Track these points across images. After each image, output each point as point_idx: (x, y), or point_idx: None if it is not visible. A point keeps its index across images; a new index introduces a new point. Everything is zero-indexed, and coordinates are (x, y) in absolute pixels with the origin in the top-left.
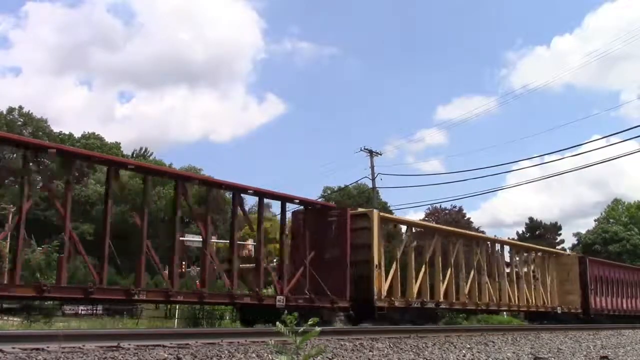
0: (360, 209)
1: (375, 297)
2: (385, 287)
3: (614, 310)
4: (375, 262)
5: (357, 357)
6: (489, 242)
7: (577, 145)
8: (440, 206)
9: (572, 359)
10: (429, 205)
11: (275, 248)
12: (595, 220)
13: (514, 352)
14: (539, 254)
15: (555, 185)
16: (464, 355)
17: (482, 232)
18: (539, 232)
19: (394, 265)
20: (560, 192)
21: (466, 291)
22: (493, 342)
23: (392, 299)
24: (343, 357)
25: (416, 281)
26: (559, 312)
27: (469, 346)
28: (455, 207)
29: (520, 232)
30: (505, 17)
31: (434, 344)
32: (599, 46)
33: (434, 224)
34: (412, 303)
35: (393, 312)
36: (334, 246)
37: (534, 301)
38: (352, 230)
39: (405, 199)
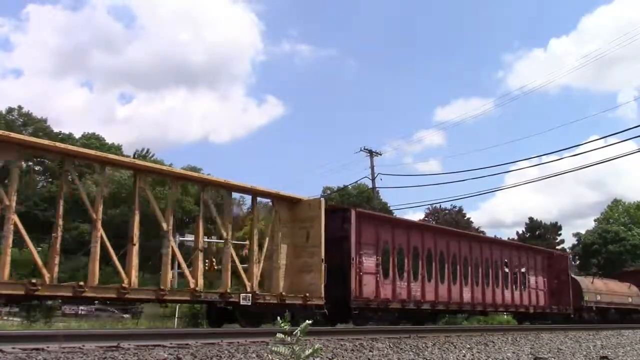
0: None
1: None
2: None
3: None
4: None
5: (357, 357)
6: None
7: (576, 146)
8: (440, 206)
9: (572, 359)
10: (429, 206)
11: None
12: (595, 221)
13: (514, 352)
14: None
15: (553, 186)
16: (464, 355)
17: (482, 232)
18: (539, 232)
19: None
20: (559, 193)
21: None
22: (493, 342)
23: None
24: (343, 357)
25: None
26: None
27: (469, 346)
28: (455, 207)
29: (520, 232)
30: (502, 19)
31: (434, 344)
32: (595, 48)
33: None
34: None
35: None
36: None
37: None
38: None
39: (405, 199)
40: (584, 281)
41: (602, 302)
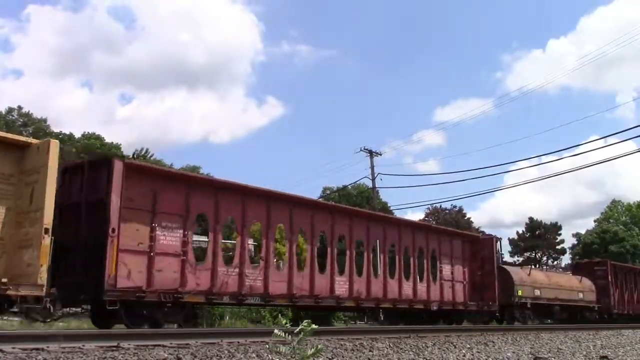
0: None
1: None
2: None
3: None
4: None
5: (357, 357)
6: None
7: (576, 146)
8: (440, 206)
9: (572, 359)
10: (429, 206)
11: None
12: (595, 221)
13: (514, 352)
14: None
15: (553, 186)
16: (464, 355)
17: (482, 232)
18: (539, 232)
19: None
20: (559, 193)
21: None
22: (493, 342)
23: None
24: (343, 357)
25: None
26: None
27: (469, 346)
28: (455, 207)
29: (520, 232)
30: (501, 20)
31: (434, 344)
32: (594, 48)
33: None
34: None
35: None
36: None
37: None
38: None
39: (405, 199)
40: (518, 273)
41: (542, 297)
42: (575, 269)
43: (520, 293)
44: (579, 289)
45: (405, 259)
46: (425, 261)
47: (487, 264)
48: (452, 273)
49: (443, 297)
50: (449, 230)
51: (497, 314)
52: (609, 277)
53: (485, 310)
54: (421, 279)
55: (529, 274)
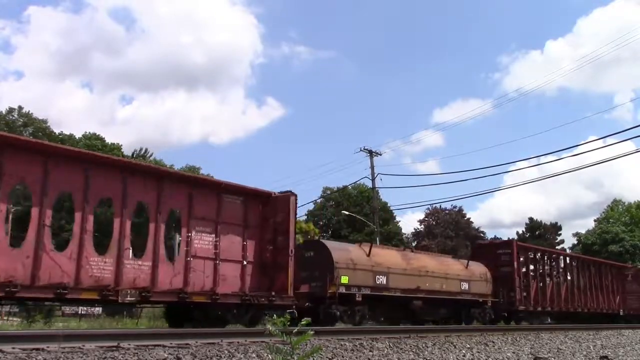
0: None
1: None
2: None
3: None
4: None
5: (357, 357)
6: None
7: (575, 146)
8: (440, 206)
9: (572, 359)
10: (429, 206)
11: None
12: (595, 221)
13: (514, 352)
14: None
15: (552, 186)
16: (464, 355)
17: (482, 232)
18: (539, 232)
19: None
20: (558, 193)
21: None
22: (493, 342)
23: None
24: (343, 357)
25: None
26: None
27: (469, 346)
28: (455, 207)
29: (520, 232)
30: (499, 22)
31: (434, 344)
32: (591, 50)
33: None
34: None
35: None
36: None
37: None
38: None
39: (405, 200)
40: (344, 250)
41: (392, 287)
42: (474, 252)
43: (345, 280)
44: (463, 276)
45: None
46: (154, 227)
47: (280, 235)
48: (215, 247)
49: (188, 284)
50: (211, 180)
51: (293, 309)
52: (514, 262)
53: (277, 304)
54: (139, 255)
55: (369, 253)
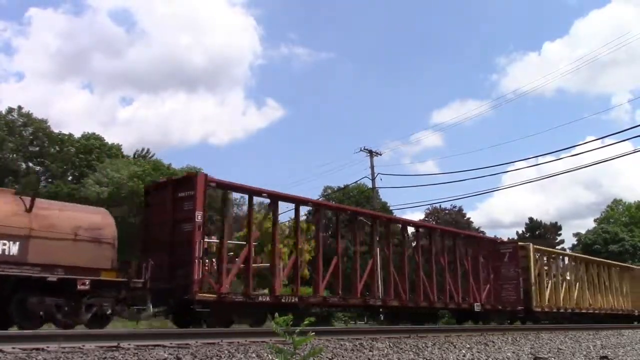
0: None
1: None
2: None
3: None
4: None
5: (357, 357)
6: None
7: (573, 146)
8: (440, 206)
9: (572, 359)
10: (429, 206)
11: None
12: (595, 221)
13: (514, 352)
14: None
15: (551, 186)
16: (464, 355)
17: (482, 232)
18: (539, 232)
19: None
20: (556, 193)
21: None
22: (493, 342)
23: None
24: (343, 357)
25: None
26: None
27: (469, 346)
28: (455, 207)
29: (520, 232)
30: (496, 23)
31: (434, 344)
32: (588, 51)
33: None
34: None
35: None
36: None
37: None
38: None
39: (404, 200)
40: None
41: None
42: None
43: None
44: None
45: None
46: None
47: None
48: None
49: None
50: None
51: None
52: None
53: None
54: None
55: None
